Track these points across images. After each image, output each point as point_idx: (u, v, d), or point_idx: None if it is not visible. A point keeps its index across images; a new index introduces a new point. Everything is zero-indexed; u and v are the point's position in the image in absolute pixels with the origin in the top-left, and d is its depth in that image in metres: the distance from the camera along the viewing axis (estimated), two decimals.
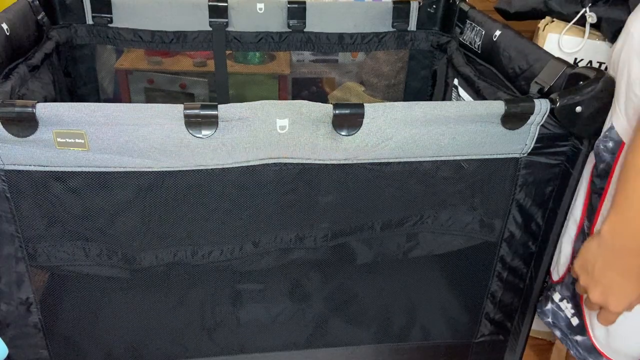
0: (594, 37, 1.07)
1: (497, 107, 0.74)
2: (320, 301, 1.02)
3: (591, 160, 0.79)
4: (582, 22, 1.06)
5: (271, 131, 0.70)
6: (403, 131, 0.73)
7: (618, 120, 0.72)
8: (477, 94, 1.04)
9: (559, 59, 0.82)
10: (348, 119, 0.71)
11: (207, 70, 1.44)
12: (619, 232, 0.68)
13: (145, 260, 0.85)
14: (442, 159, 0.78)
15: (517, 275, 0.93)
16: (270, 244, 0.87)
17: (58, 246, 0.80)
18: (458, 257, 0.96)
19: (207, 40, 1.24)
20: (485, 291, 0.95)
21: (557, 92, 0.75)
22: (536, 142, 0.79)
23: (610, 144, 0.72)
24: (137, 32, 1.21)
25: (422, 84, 1.35)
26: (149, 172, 0.72)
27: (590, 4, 1.05)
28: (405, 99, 1.38)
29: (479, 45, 1.07)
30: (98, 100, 1.30)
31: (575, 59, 1.10)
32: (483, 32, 1.05)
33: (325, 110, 0.70)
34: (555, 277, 0.87)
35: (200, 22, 1.22)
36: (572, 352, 0.84)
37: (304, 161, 0.74)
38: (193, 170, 0.73)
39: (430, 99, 1.34)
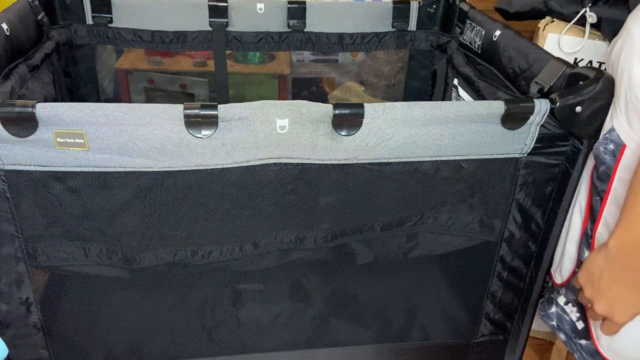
0: (594, 37, 1.07)
1: (497, 107, 0.74)
2: (320, 301, 1.02)
3: (591, 162, 0.78)
4: (582, 22, 1.06)
5: (271, 131, 0.70)
6: (403, 131, 0.73)
7: (618, 122, 0.71)
8: (477, 94, 1.04)
9: (558, 59, 0.82)
10: (348, 119, 0.71)
11: (207, 70, 1.44)
12: (627, 247, 0.68)
13: (145, 260, 0.85)
14: (442, 159, 0.78)
15: (517, 275, 0.93)
16: (270, 245, 0.87)
17: (58, 246, 0.80)
18: (458, 257, 0.96)
19: (207, 40, 1.24)
20: (485, 291, 0.95)
21: (557, 92, 0.75)
22: (536, 142, 0.79)
23: (611, 146, 0.72)
24: (137, 32, 1.21)
25: (422, 84, 1.35)
26: (149, 172, 0.72)
27: (590, 4, 1.05)
28: (405, 99, 1.38)
29: (479, 45, 1.07)
30: (98, 100, 1.30)
31: (575, 59, 1.10)
32: (483, 32, 1.05)
33: (325, 110, 0.70)
34: (558, 279, 0.86)
35: (200, 22, 1.22)
36: (576, 355, 0.84)
37: (304, 161, 0.74)
38: (193, 170, 0.73)
39: (430, 99, 1.34)
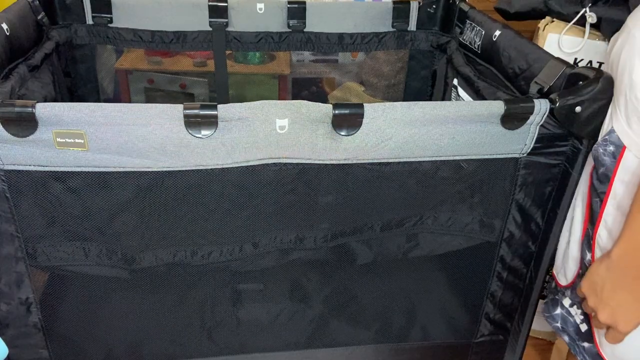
0: (594, 37, 1.07)
1: (497, 107, 0.74)
2: (320, 301, 1.02)
3: (590, 163, 0.78)
4: (582, 22, 1.06)
5: (271, 131, 0.70)
6: (403, 131, 0.73)
7: (618, 124, 0.71)
8: (477, 94, 1.04)
9: (558, 59, 0.82)
10: (348, 119, 0.71)
11: (207, 70, 1.44)
12: (629, 257, 0.68)
13: (145, 261, 0.85)
14: (442, 159, 0.78)
15: (517, 275, 0.93)
16: (270, 245, 0.87)
17: (58, 246, 0.80)
18: (458, 257, 0.96)
19: (207, 40, 1.24)
20: (485, 291, 0.95)
21: (557, 92, 0.75)
22: (536, 142, 0.79)
23: (611, 148, 0.72)
24: (137, 32, 1.21)
25: (422, 84, 1.35)
26: (149, 172, 0.72)
27: (590, 4, 1.05)
28: (405, 99, 1.38)
29: (478, 45, 1.07)
30: (98, 100, 1.30)
31: (575, 59, 1.10)
32: (483, 32, 1.05)
33: (325, 110, 0.70)
34: (562, 281, 0.86)
35: (200, 22, 1.22)
36: (578, 358, 0.84)
37: (304, 161, 0.74)
38: (193, 170, 0.73)
39: (430, 99, 1.34)
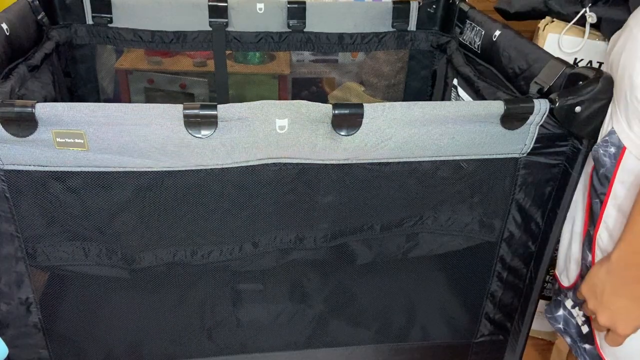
0: (594, 37, 1.07)
1: (497, 107, 0.74)
2: (320, 301, 1.02)
3: (590, 163, 0.78)
4: (582, 22, 1.06)
5: (270, 131, 0.70)
6: (402, 131, 0.73)
7: (619, 125, 0.71)
8: (477, 94, 1.04)
9: (558, 59, 0.82)
10: (347, 119, 0.71)
11: (207, 70, 1.44)
12: (629, 260, 0.68)
13: (145, 260, 0.85)
14: (442, 159, 0.78)
15: (517, 275, 0.93)
16: (270, 244, 0.87)
17: (58, 246, 0.80)
18: (458, 257, 0.96)
19: (207, 40, 1.24)
20: (485, 291, 0.95)
21: (557, 92, 0.75)
22: (535, 142, 0.79)
23: (612, 150, 0.72)
24: (137, 32, 1.21)
25: (422, 84, 1.35)
26: (149, 172, 0.72)
27: (590, 4, 1.05)
28: (405, 99, 1.38)
29: (478, 45, 1.06)
30: (98, 100, 1.30)
31: (575, 59, 1.10)
32: (483, 32, 1.05)
33: (325, 110, 0.70)
34: (565, 282, 0.86)
35: (200, 22, 1.22)
36: (580, 359, 0.84)
37: (304, 161, 0.74)
38: (192, 170, 0.73)
39: (430, 99, 1.34)
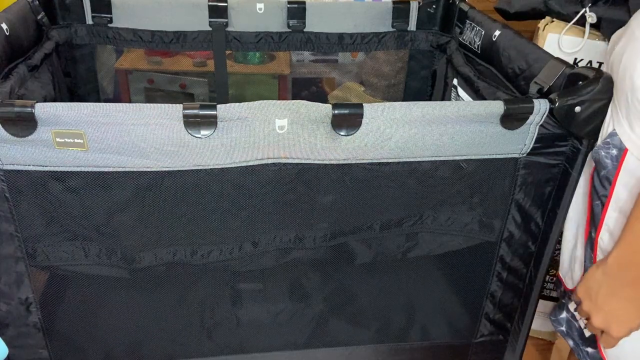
0: (594, 37, 1.07)
1: (496, 107, 0.74)
2: (319, 301, 1.02)
3: (590, 164, 0.78)
4: (582, 22, 1.06)
5: (270, 131, 0.70)
6: (402, 131, 0.73)
7: (620, 126, 0.71)
8: (477, 94, 1.04)
9: (558, 59, 0.82)
10: (347, 119, 0.71)
11: (207, 70, 1.44)
12: (626, 263, 0.68)
13: (145, 260, 0.85)
14: (441, 159, 0.78)
15: (517, 275, 0.93)
16: (270, 244, 0.87)
17: (57, 246, 0.80)
18: (457, 257, 0.96)
19: (207, 40, 1.24)
20: (484, 291, 0.95)
21: (557, 92, 0.75)
22: (535, 142, 0.79)
23: (614, 152, 0.72)
24: (137, 32, 1.21)
25: (422, 84, 1.35)
26: (148, 172, 0.72)
27: (590, 4, 1.05)
28: (405, 99, 1.38)
29: (478, 45, 1.06)
30: (98, 100, 1.30)
31: (575, 59, 1.10)
32: (483, 32, 1.05)
33: (325, 110, 0.70)
34: (569, 284, 0.85)
35: (200, 22, 1.22)
36: None
37: (303, 161, 0.74)
38: (192, 170, 0.73)
39: (430, 99, 1.34)
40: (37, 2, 1.06)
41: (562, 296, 0.89)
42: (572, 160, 0.80)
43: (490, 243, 0.90)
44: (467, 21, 1.13)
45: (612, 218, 0.73)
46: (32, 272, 0.80)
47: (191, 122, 0.68)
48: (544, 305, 1.37)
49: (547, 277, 0.94)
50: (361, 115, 0.71)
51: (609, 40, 1.05)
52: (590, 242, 0.78)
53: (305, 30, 1.25)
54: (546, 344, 1.42)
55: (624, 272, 0.69)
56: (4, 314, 0.82)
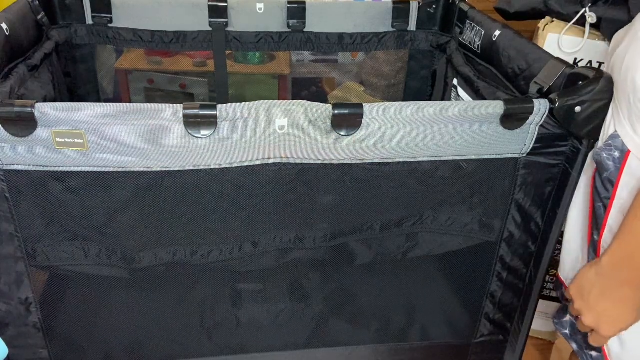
0: (594, 37, 1.07)
1: (496, 107, 0.74)
2: (319, 301, 1.02)
3: (589, 167, 0.78)
4: (582, 22, 1.06)
5: (270, 131, 0.70)
6: (402, 131, 0.73)
7: (622, 128, 0.71)
8: (477, 94, 1.04)
9: (558, 59, 0.82)
10: (347, 119, 0.71)
11: (207, 70, 1.44)
12: (619, 265, 0.69)
13: (145, 260, 0.85)
14: (442, 159, 0.77)
15: (517, 275, 0.93)
16: (270, 244, 0.87)
17: (57, 246, 0.80)
18: (457, 258, 0.96)
19: (207, 40, 1.24)
20: (484, 291, 0.95)
21: (557, 92, 0.75)
22: (535, 142, 0.78)
23: (616, 154, 0.71)
24: (137, 32, 1.21)
25: (422, 84, 1.35)
26: (148, 172, 0.72)
27: (590, 4, 1.05)
28: (405, 99, 1.38)
29: (478, 45, 1.06)
30: (98, 100, 1.30)
31: (575, 59, 1.10)
32: (483, 32, 1.05)
33: (325, 110, 0.70)
34: None
35: (200, 22, 1.22)
36: None
37: (303, 161, 0.74)
38: (192, 170, 0.73)
39: (430, 99, 1.34)
40: (37, 2, 1.06)
41: (564, 299, 0.89)
42: (572, 160, 0.80)
43: (490, 243, 0.90)
44: (467, 21, 1.13)
45: (615, 220, 0.73)
46: (32, 272, 0.80)
47: (191, 122, 0.68)
48: (544, 305, 1.37)
49: (547, 277, 0.94)
50: (361, 115, 0.71)
51: (609, 40, 1.05)
52: (593, 245, 0.78)
53: (305, 30, 1.25)
54: (546, 344, 1.42)
55: (617, 273, 0.69)
56: (4, 314, 0.82)
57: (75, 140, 0.67)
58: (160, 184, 0.75)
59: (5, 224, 0.75)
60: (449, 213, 0.90)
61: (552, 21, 1.12)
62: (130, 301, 0.93)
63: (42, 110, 0.65)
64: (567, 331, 0.86)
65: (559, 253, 0.89)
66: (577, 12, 1.06)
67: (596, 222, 0.77)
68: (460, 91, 1.13)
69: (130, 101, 1.44)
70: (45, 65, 1.05)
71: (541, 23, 1.14)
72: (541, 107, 0.74)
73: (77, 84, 1.25)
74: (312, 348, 1.00)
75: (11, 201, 0.73)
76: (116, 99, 1.38)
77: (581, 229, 0.82)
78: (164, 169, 0.72)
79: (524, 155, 0.80)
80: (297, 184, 0.79)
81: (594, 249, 0.77)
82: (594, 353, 0.81)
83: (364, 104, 0.70)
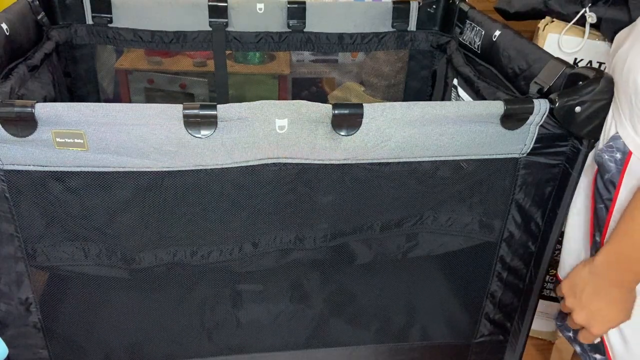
0: (594, 37, 1.07)
1: (497, 107, 0.74)
2: (320, 301, 1.02)
3: (590, 168, 0.78)
4: (582, 22, 1.06)
5: (270, 131, 0.70)
6: (402, 131, 0.73)
7: (623, 129, 0.71)
8: (477, 94, 1.03)
9: (558, 59, 0.82)
10: (347, 119, 0.71)
11: (207, 70, 1.44)
12: (613, 265, 0.69)
13: (145, 261, 0.85)
14: (442, 159, 0.77)
15: (517, 275, 0.93)
16: (270, 245, 0.87)
17: (57, 246, 0.80)
18: (458, 258, 0.96)
19: (207, 40, 1.24)
20: (484, 291, 0.95)
21: (557, 92, 0.75)
22: (535, 142, 0.78)
23: (618, 155, 0.72)
24: (137, 32, 1.21)
25: (422, 84, 1.35)
26: (148, 172, 0.72)
27: (590, 4, 1.05)
28: (405, 99, 1.38)
29: (478, 46, 1.06)
30: (98, 100, 1.30)
31: (575, 59, 1.10)
32: (483, 32, 1.05)
33: (325, 110, 0.70)
34: None
35: (200, 22, 1.22)
36: None
37: (303, 161, 0.74)
38: (192, 170, 0.73)
39: (430, 99, 1.34)
40: (37, 2, 1.06)
41: (557, 295, 0.89)
42: (572, 160, 0.80)
43: (490, 243, 0.90)
44: (467, 21, 1.13)
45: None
46: (32, 272, 0.80)
47: (191, 122, 0.68)
48: (544, 305, 1.37)
49: (547, 277, 0.94)
50: (361, 115, 0.71)
51: (609, 40, 1.05)
52: (595, 246, 0.78)
53: (305, 30, 1.25)
54: (546, 344, 1.42)
55: (610, 273, 0.70)
56: (4, 314, 0.82)
57: (75, 140, 0.67)
58: (160, 184, 0.75)
59: (5, 224, 0.75)
60: (449, 213, 0.90)
61: (552, 21, 1.12)
62: (130, 301, 0.93)
63: (42, 110, 0.65)
64: (570, 334, 0.86)
65: (559, 253, 0.89)
66: (577, 12, 1.06)
67: (598, 224, 0.77)
68: (460, 91, 1.13)
69: (130, 101, 1.44)
70: (45, 65, 1.05)
71: (541, 23, 1.14)
72: (541, 107, 0.74)
73: (77, 84, 1.25)
74: (312, 348, 1.00)
75: (11, 201, 0.73)
76: (116, 99, 1.38)
77: (581, 230, 0.82)
78: (164, 169, 0.72)
79: (524, 155, 0.80)
80: (297, 184, 0.79)
81: (595, 250, 0.77)
82: (597, 356, 0.81)
83: (364, 104, 0.70)
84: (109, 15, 1.19)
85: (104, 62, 1.31)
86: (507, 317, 0.98)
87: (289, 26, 1.24)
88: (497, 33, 0.99)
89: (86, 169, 0.71)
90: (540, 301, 0.96)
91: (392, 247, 0.93)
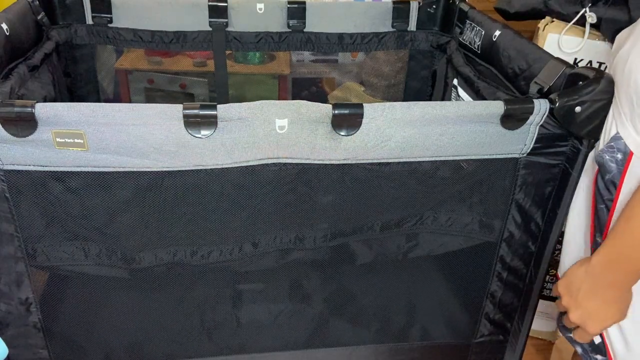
0: (594, 37, 1.07)
1: (497, 107, 0.74)
2: (320, 301, 1.02)
3: (591, 168, 0.78)
4: (582, 22, 1.06)
5: (270, 131, 0.70)
6: (402, 131, 0.73)
7: (624, 129, 0.70)
8: (477, 94, 1.03)
9: (558, 59, 0.82)
10: (347, 119, 0.71)
11: (207, 70, 1.44)
12: (610, 265, 0.69)
13: (145, 260, 0.85)
14: (442, 159, 0.78)
15: (517, 275, 0.93)
16: (270, 245, 0.87)
17: (57, 246, 0.80)
18: (458, 258, 0.96)
19: (207, 40, 1.24)
20: (485, 291, 0.95)
21: (557, 92, 0.75)
22: (535, 142, 0.78)
23: (619, 156, 0.71)
24: (137, 32, 1.21)
25: (422, 84, 1.35)
26: (148, 172, 0.72)
27: (590, 4, 1.05)
28: (405, 99, 1.38)
29: (478, 46, 1.06)
30: (98, 100, 1.30)
31: (575, 59, 1.10)
32: (483, 32, 1.05)
33: (325, 110, 0.70)
34: None
35: (200, 22, 1.22)
36: None
37: (304, 161, 0.74)
38: (192, 170, 0.73)
39: (430, 99, 1.34)
40: (37, 2, 1.06)
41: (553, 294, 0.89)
42: (572, 160, 0.80)
43: (490, 243, 0.90)
44: (467, 21, 1.13)
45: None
46: (32, 272, 0.80)
47: (191, 122, 0.68)
48: (544, 305, 1.37)
49: (547, 277, 0.94)
50: (361, 115, 0.71)
51: (609, 40, 1.05)
52: (596, 246, 0.78)
53: (305, 30, 1.25)
54: (546, 344, 1.42)
55: (607, 274, 0.70)
56: (4, 314, 0.82)
57: (75, 140, 0.67)
58: (160, 184, 0.75)
59: (5, 224, 0.75)
60: (449, 213, 0.90)
61: (552, 21, 1.12)
62: (130, 301, 0.93)
63: (42, 110, 0.65)
64: (571, 335, 0.86)
65: (559, 253, 0.89)
66: (577, 12, 1.06)
67: (599, 224, 0.77)
68: (461, 91, 1.13)
69: (130, 101, 1.44)
70: (45, 65, 1.05)
71: (541, 23, 1.14)
72: (541, 107, 0.74)
73: (77, 84, 1.25)
74: (312, 348, 1.00)
75: (11, 201, 0.73)
76: (116, 99, 1.38)
77: (581, 230, 0.82)
78: (164, 169, 0.72)
79: (524, 155, 0.80)
80: (297, 184, 0.79)
81: (596, 250, 0.77)
82: (599, 357, 0.81)
83: (364, 104, 0.70)
84: (109, 15, 1.19)
85: (104, 62, 1.31)
86: (507, 317, 0.98)
87: (289, 26, 1.24)
88: (497, 33, 0.99)
89: (86, 169, 0.71)
90: (540, 301, 0.96)
91: (392, 247, 0.93)
